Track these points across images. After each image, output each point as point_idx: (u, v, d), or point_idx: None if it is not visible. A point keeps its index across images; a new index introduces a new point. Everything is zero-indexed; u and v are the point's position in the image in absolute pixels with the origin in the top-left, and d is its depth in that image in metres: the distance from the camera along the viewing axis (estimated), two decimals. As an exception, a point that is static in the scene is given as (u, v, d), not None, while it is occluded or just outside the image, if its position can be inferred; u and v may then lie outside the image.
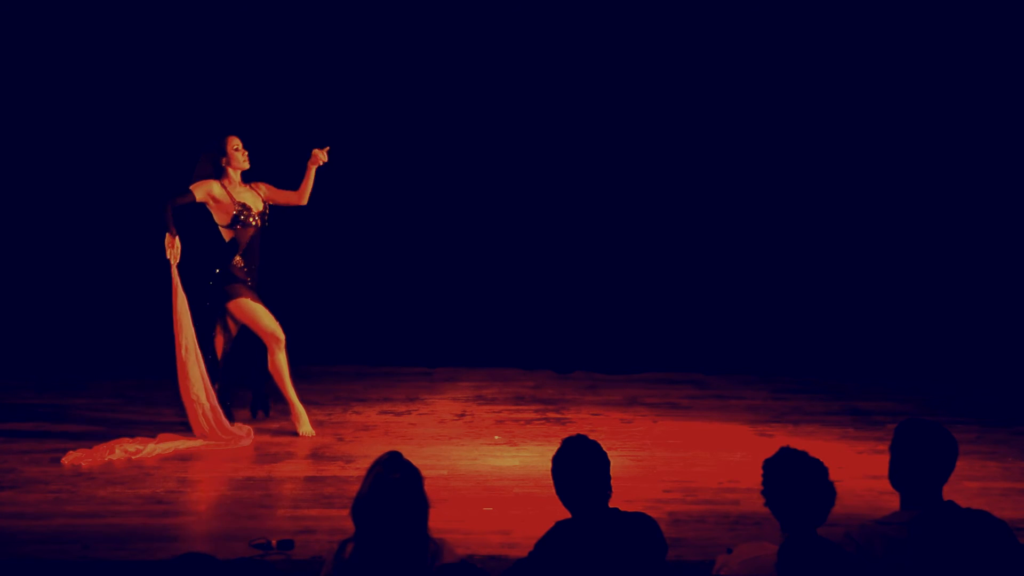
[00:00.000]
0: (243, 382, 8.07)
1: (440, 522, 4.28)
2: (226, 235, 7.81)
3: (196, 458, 7.27)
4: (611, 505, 4.40)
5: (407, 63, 9.70)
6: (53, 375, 9.27)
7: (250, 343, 7.89)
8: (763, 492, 4.16)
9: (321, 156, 7.95)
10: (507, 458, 7.38)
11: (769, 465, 4.16)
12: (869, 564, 3.98)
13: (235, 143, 7.83)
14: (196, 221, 8.01)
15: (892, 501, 4.33)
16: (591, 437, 4.53)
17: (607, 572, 4.16)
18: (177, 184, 7.84)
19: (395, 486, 3.96)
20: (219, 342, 7.84)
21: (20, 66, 9.63)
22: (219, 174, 7.78)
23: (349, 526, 4.04)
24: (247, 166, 7.84)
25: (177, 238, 7.52)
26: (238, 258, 7.78)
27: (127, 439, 7.42)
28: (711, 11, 9.63)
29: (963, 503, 4.18)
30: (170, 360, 7.63)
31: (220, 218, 7.79)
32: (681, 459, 7.33)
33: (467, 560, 4.10)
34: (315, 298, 9.87)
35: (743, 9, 9.62)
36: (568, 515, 4.40)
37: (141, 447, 7.34)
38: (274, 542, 5.74)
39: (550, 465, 4.46)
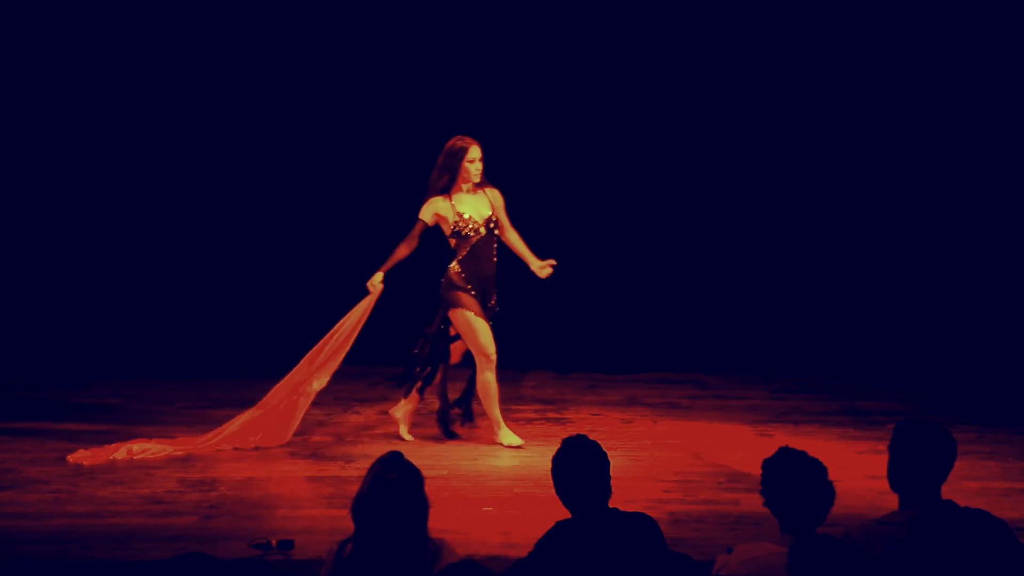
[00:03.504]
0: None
1: (440, 522, 4.28)
2: (450, 242, 7.58)
3: (196, 458, 7.27)
4: (611, 505, 4.40)
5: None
6: (53, 375, 9.26)
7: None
8: (762, 492, 4.16)
9: (546, 270, 7.68)
10: (507, 458, 7.38)
11: (768, 465, 4.16)
12: (870, 563, 3.97)
13: (474, 152, 7.47)
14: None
15: (892, 501, 4.33)
16: (591, 437, 4.53)
17: (607, 572, 4.16)
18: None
19: (394, 486, 3.96)
20: (452, 350, 7.68)
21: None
22: (451, 183, 7.49)
23: (349, 526, 4.04)
24: (477, 180, 7.50)
25: (383, 283, 7.46)
26: (455, 264, 7.52)
27: (137, 440, 7.38)
28: (714, 16, 9.63)
29: (963, 503, 4.18)
30: (171, 360, 7.62)
31: (444, 229, 7.55)
32: (681, 459, 7.33)
33: (471, 558, 4.10)
34: (315, 298, 9.88)
35: (744, 11, 9.62)
36: (568, 515, 4.40)
37: (147, 447, 7.32)
38: (274, 542, 5.73)
39: (550, 465, 4.46)
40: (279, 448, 7.48)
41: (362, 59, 9.76)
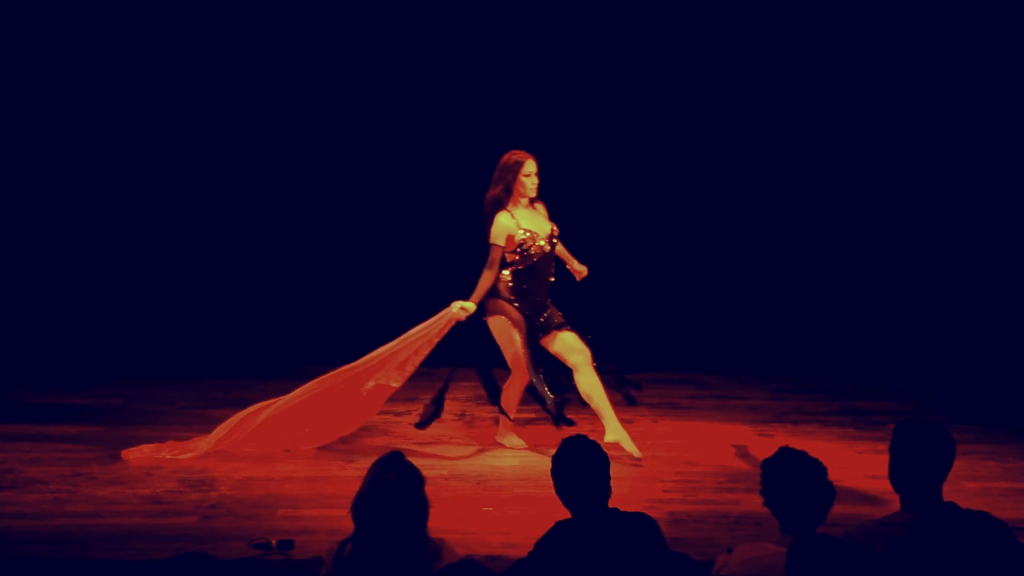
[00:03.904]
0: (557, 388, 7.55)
1: (440, 522, 4.28)
2: (508, 256, 7.35)
3: (196, 458, 7.26)
4: (611, 505, 4.40)
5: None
6: (53, 375, 9.26)
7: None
8: (762, 492, 4.17)
9: (583, 273, 7.64)
10: (507, 458, 7.38)
11: (768, 465, 4.16)
12: (870, 564, 3.98)
13: (530, 167, 7.29)
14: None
15: (892, 501, 4.33)
16: (591, 437, 4.54)
17: (607, 572, 4.16)
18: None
19: (394, 486, 3.96)
20: (566, 351, 7.38)
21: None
22: (506, 198, 7.31)
23: (349, 526, 4.04)
24: (534, 195, 7.34)
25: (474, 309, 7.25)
26: (507, 273, 7.33)
27: (177, 442, 7.38)
28: (715, 19, 9.63)
29: (963, 503, 4.18)
30: (171, 360, 7.60)
31: (507, 244, 7.31)
32: (681, 459, 7.33)
33: (472, 558, 4.10)
34: (315, 298, 9.88)
35: (745, 13, 9.62)
36: (568, 515, 4.40)
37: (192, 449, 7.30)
38: (274, 542, 5.74)
39: (550, 465, 4.46)
40: (279, 449, 7.47)
41: (362, 58, 9.76)
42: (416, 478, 4.01)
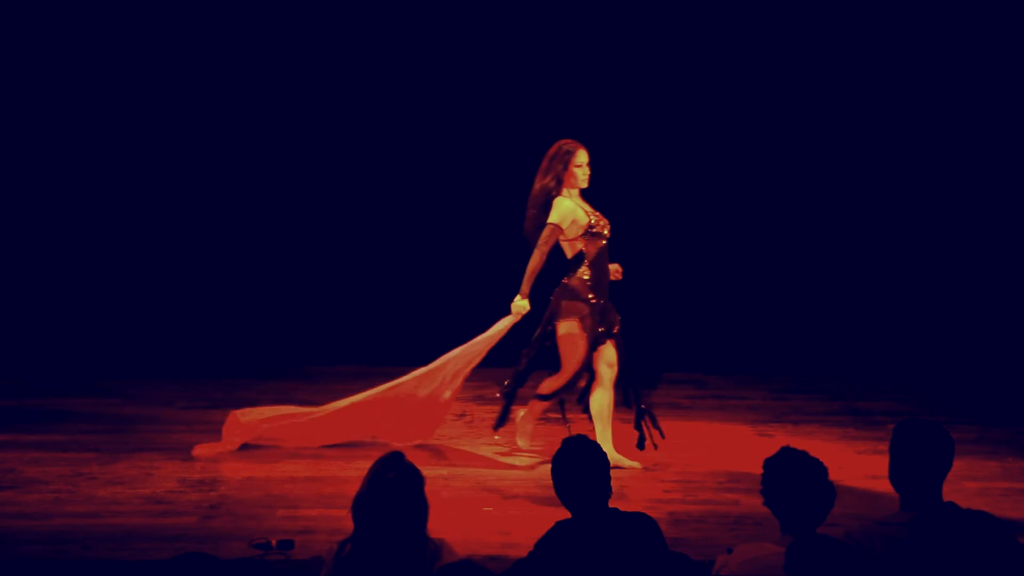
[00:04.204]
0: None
1: (440, 522, 4.28)
2: (572, 247, 7.06)
3: (196, 458, 7.26)
4: (611, 505, 4.40)
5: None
6: (53, 375, 9.26)
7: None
8: (763, 492, 4.16)
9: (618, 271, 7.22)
10: (507, 458, 7.38)
11: (770, 464, 4.16)
12: (870, 564, 3.98)
13: (582, 157, 6.98)
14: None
15: (892, 501, 4.33)
16: (591, 437, 4.53)
17: (607, 572, 4.16)
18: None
19: (394, 486, 3.96)
20: (600, 359, 7.08)
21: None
22: (557, 189, 6.99)
23: (349, 526, 4.04)
24: (585, 185, 7.01)
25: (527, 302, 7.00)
26: (584, 269, 7.00)
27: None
28: (714, 21, 9.64)
29: (963, 503, 4.18)
30: (171, 360, 7.60)
31: (570, 231, 6.98)
32: (681, 459, 7.32)
33: (470, 559, 4.10)
34: (315, 298, 9.88)
35: (746, 14, 9.62)
36: (568, 515, 4.40)
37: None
38: (274, 542, 5.73)
39: (550, 465, 4.46)
40: (279, 448, 7.46)
41: (362, 58, 9.76)
42: (416, 478, 4.01)
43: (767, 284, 9.84)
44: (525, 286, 7.06)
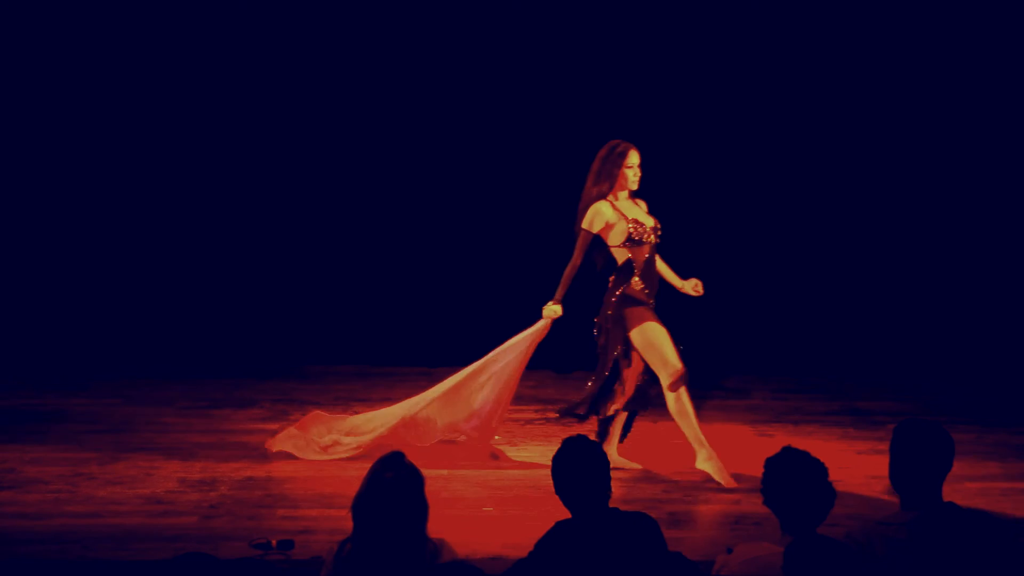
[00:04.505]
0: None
1: (440, 522, 4.28)
2: (619, 256, 6.98)
3: (196, 458, 7.26)
4: (611, 505, 4.40)
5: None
6: (53, 375, 9.26)
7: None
8: (763, 491, 4.16)
9: (699, 289, 7.12)
10: (507, 458, 7.38)
11: (771, 464, 4.16)
12: (870, 564, 3.98)
13: (634, 158, 6.88)
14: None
15: (892, 501, 4.33)
16: (591, 437, 4.53)
17: (607, 572, 4.16)
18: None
19: (394, 486, 3.96)
20: (629, 375, 7.01)
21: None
22: (608, 191, 6.89)
23: (349, 526, 4.04)
24: (635, 187, 6.91)
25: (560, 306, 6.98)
26: (637, 280, 6.92)
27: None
28: (715, 22, 9.65)
29: (963, 503, 4.18)
30: (171, 360, 7.59)
31: (612, 238, 6.93)
32: (681, 459, 7.32)
33: (465, 560, 4.10)
34: (315, 298, 9.88)
35: (747, 15, 9.63)
36: (568, 515, 4.40)
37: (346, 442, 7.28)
38: (274, 542, 5.73)
39: (550, 465, 4.45)
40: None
41: (361, 57, 9.76)
42: (416, 478, 4.01)
43: (767, 284, 9.83)
44: (559, 294, 7.06)
